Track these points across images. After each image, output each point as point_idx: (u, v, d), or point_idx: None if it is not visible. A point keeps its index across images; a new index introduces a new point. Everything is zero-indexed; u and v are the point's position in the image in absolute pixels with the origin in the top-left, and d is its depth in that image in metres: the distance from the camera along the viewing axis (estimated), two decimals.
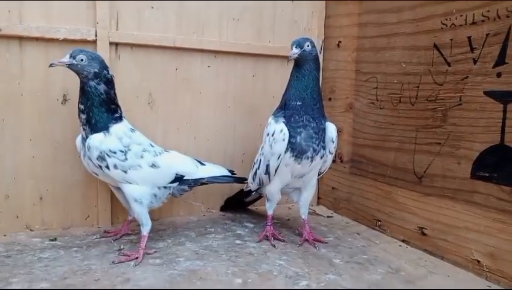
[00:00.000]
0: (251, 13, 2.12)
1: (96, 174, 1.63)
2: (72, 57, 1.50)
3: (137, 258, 1.52)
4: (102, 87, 1.54)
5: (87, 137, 1.54)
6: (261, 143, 1.75)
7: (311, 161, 1.63)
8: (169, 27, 1.96)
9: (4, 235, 1.72)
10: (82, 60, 1.49)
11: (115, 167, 1.53)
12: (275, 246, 1.68)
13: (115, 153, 1.52)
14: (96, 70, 1.52)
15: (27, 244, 1.64)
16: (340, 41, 2.16)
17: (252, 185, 1.83)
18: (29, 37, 1.72)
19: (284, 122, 1.60)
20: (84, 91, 1.53)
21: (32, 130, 1.76)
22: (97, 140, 1.52)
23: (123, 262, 1.50)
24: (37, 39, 1.73)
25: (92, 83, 1.52)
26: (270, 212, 1.78)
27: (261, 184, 1.76)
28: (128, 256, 1.54)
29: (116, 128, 1.56)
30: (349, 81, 2.10)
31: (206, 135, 2.09)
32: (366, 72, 1.99)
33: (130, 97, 1.90)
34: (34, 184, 1.78)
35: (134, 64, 1.91)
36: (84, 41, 1.79)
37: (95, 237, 1.74)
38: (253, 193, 1.93)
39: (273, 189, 1.73)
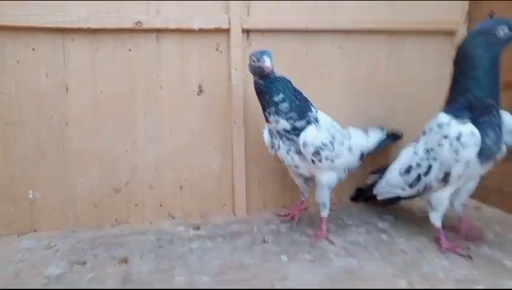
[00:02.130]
0: None
1: (297, 167, 1.60)
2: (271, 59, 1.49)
3: (321, 237, 1.61)
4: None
5: (292, 133, 1.52)
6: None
7: (494, 161, 1.43)
8: (300, 9, 1.86)
9: (150, 223, 1.79)
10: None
11: (326, 158, 1.52)
12: (471, 257, 1.43)
13: (326, 145, 1.51)
14: None
15: (174, 234, 1.68)
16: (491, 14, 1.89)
17: (402, 193, 1.61)
18: (166, 29, 1.72)
19: (470, 122, 1.36)
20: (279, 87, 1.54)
21: (171, 121, 1.79)
22: (312, 135, 1.49)
23: (316, 242, 1.58)
24: (173, 31, 1.74)
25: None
26: (438, 223, 1.51)
27: (423, 192, 1.54)
28: (317, 237, 1.60)
29: (322, 118, 1.56)
30: None
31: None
32: None
33: None
34: (174, 174, 1.82)
35: None
36: (218, 30, 1.76)
37: (274, 223, 1.76)
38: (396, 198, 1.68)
39: (444, 196, 1.49)
